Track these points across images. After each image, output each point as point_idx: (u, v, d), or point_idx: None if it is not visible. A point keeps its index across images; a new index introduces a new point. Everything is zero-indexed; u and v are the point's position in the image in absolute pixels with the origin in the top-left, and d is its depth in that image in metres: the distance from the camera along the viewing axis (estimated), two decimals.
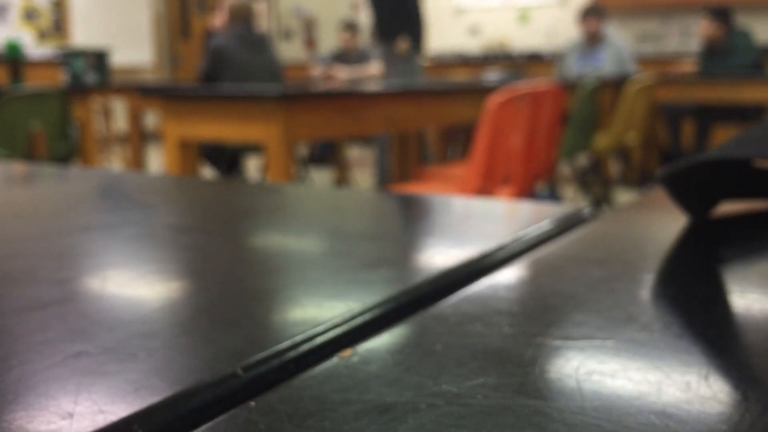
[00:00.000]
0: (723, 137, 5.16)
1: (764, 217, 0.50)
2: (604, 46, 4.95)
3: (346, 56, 5.84)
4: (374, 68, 5.44)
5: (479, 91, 2.93)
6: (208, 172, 4.05)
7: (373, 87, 3.20)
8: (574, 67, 4.98)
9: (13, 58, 3.84)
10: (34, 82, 4.11)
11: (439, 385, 0.24)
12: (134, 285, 0.37)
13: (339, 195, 0.71)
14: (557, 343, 0.27)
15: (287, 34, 9.46)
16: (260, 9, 9.38)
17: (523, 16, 8.08)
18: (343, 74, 5.40)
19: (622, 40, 5.01)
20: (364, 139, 6.10)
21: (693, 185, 0.47)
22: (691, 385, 0.23)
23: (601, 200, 4.28)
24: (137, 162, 4.49)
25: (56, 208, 0.59)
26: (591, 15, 4.98)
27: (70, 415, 0.22)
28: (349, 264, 0.40)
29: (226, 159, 3.92)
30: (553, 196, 3.82)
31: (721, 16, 5.14)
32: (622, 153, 4.92)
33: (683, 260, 0.41)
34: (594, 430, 0.21)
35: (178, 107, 2.50)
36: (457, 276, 0.37)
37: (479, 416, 0.22)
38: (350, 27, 5.99)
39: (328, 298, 0.34)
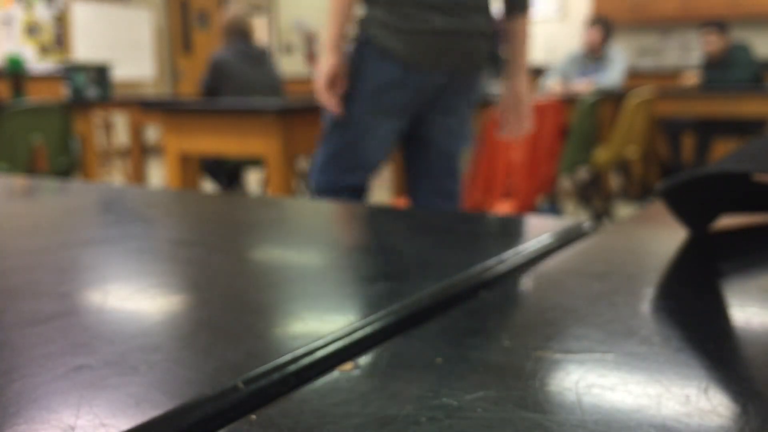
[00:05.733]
0: (723, 151, 5.17)
1: (763, 230, 0.50)
2: (606, 61, 4.93)
3: None
4: None
5: (480, 105, 2.94)
6: (208, 185, 4.05)
7: None
8: (575, 81, 4.95)
9: (15, 73, 3.86)
10: (35, 96, 4.12)
11: (440, 399, 0.24)
12: (135, 299, 0.37)
13: (339, 209, 0.71)
14: (557, 356, 0.27)
15: (288, 49, 9.50)
16: (261, 23, 9.42)
17: None
18: None
19: (619, 53, 4.99)
20: None
21: (693, 199, 0.47)
22: (691, 398, 0.23)
23: (601, 214, 4.28)
24: (138, 176, 4.49)
25: (57, 222, 0.59)
26: (594, 25, 4.93)
27: (72, 429, 0.22)
28: (349, 277, 0.40)
29: (227, 173, 3.93)
30: (554, 209, 3.82)
31: (723, 29, 5.16)
32: (623, 167, 4.92)
33: (683, 274, 0.41)
34: None
35: (178, 121, 2.51)
36: (458, 289, 0.37)
37: (479, 429, 0.22)
38: None
39: (328, 311, 0.34)
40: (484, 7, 1.92)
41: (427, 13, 1.82)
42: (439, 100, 1.94)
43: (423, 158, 2.01)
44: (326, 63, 1.84)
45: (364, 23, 1.88)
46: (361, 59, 1.86)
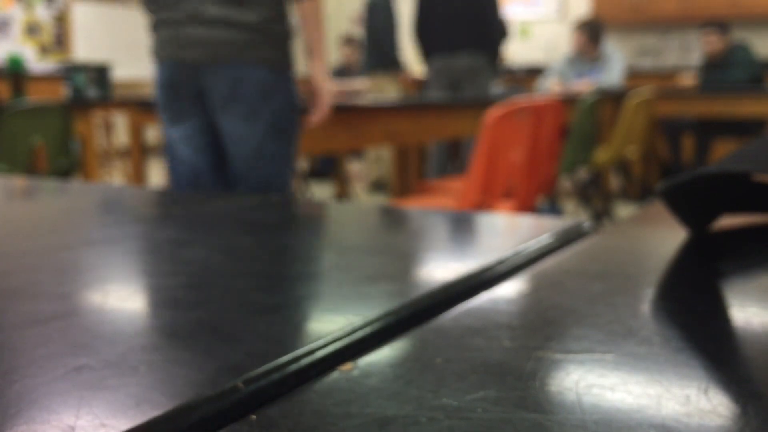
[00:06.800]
0: (723, 151, 5.17)
1: (763, 231, 0.50)
2: (603, 62, 4.92)
3: (347, 70, 5.86)
4: (359, 83, 5.46)
5: (480, 105, 2.94)
6: None
7: (373, 101, 3.21)
8: (573, 82, 4.94)
9: (15, 73, 3.86)
10: (35, 96, 4.12)
11: (440, 399, 0.24)
12: (135, 299, 0.37)
13: (339, 209, 0.71)
14: (557, 356, 0.27)
15: None
16: None
17: (524, 31, 8.12)
18: (334, 88, 5.41)
19: (616, 53, 4.98)
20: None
21: (693, 199, 0.47)
22: (691, 398, 0.24)
23: (601, 214, 4.28)
24: (138, 176, 4.49)
25: (57, 222, 0.59)
26: (578, 29, 4.92)
27: (72, 429, 0.22)
28: (349, 277, 0.40)
29: None
30: (554, 209, 3.82)
31: (723, 30, 5.16)
32: (622, 167, 4.93)
33: (683, 274, 0.41)
34: None
35: None
36: (458, 289, 0.37)
37: (479, 430, 0.22)
38: (350, 41, 6.02)
39: (328, 311, 0.34)
40: None
41: (153, 5, 1.92)
42: (207, 99, 1.94)
43: (226, 166, 2.04)
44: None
45: None
46: None
